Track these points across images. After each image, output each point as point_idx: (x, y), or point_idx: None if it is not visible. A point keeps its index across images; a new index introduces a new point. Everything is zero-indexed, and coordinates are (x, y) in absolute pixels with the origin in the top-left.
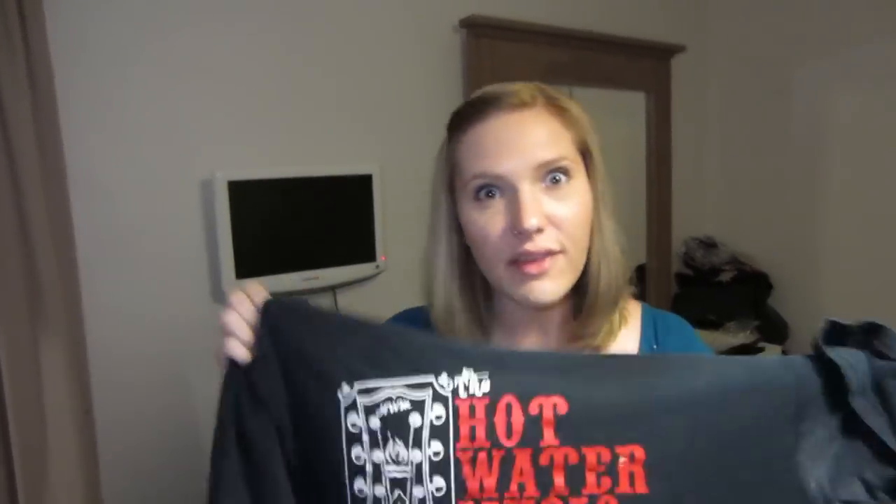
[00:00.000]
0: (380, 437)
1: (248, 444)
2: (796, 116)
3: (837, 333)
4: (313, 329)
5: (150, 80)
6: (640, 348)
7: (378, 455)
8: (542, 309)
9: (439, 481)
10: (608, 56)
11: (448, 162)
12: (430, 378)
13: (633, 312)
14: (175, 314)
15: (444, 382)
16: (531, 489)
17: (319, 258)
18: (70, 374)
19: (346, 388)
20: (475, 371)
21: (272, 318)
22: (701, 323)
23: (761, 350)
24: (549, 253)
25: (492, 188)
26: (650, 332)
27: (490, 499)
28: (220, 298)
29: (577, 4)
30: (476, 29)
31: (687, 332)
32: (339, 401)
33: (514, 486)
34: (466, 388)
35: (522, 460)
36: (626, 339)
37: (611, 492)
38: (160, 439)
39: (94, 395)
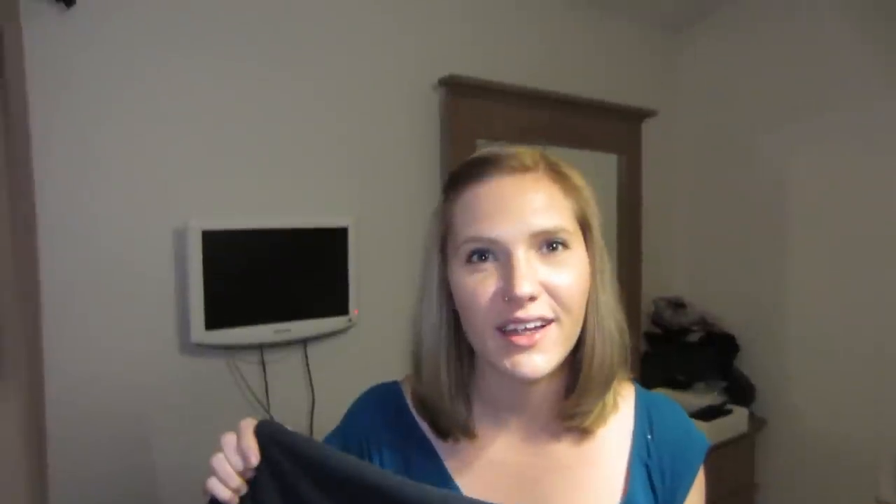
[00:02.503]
0: None
1: None
2: (761, 180)
3: None
4: (318, 483)
5: (126, 125)
6: (634, 437)
7: None
8: (527, 383)
9: None
10: (582, 118)
11: (442, 222)
12: None
13: (627, 397)
14: (141, 366)
15: None
16: None
17: (291, 310)
18: (26, 428)
19: None
20: None
21: (272, 458)
22: (670, 383)
23: (730, 412)
24: (542, 320)
25: (485, 252)
26: (644, 420)
27: None
28: (188, 350)
29: (553, 68)
30: (454, 88)
31: (681, 419)
32: None
33: None
34: None
35: None
36: (619, 426)
37: None
38: (121, 499)
39: (50, 449)
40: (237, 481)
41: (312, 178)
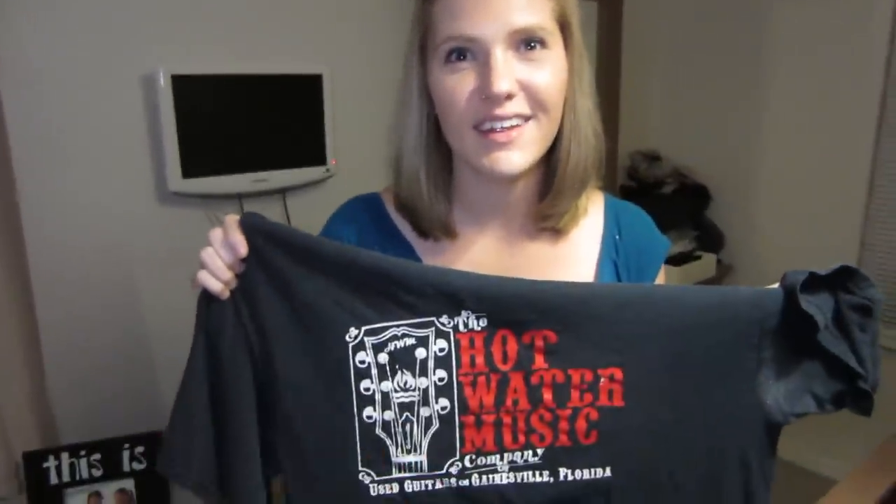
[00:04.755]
0: (388, 369)
1: (217, 376)
2: (742, 32)
3: (814, 280)
4: (305, 266)
5: None
6: (604, 238)
7: (386, 385)
8: (505, 183)
9: (444, 401)
10: None
11: (421, 23)
12: (432, 319)
13: (597, 202)
14: (118, 216)
15: (444, 321)
16: (524, 403)
17: (268, 160)
18: (10, 278)
19: (353, 330)
20: (472, 311)
21: (259, 248)
22: None
23: (699, 258)
24: (519, 117)
25: (463, 51)
26: (613, 222)
27: (488, 412)
28: (165, 199)
29: None
30: None
31: (647, 223)
32: (347, 342)
33: (509, 402)
34: (466, 325)
35: (516, 381)
36: (589, 228)
37: (591, 404)
38: (105, 343)
39: (36, 301)
40: (228, 274)
41: (287, 24)
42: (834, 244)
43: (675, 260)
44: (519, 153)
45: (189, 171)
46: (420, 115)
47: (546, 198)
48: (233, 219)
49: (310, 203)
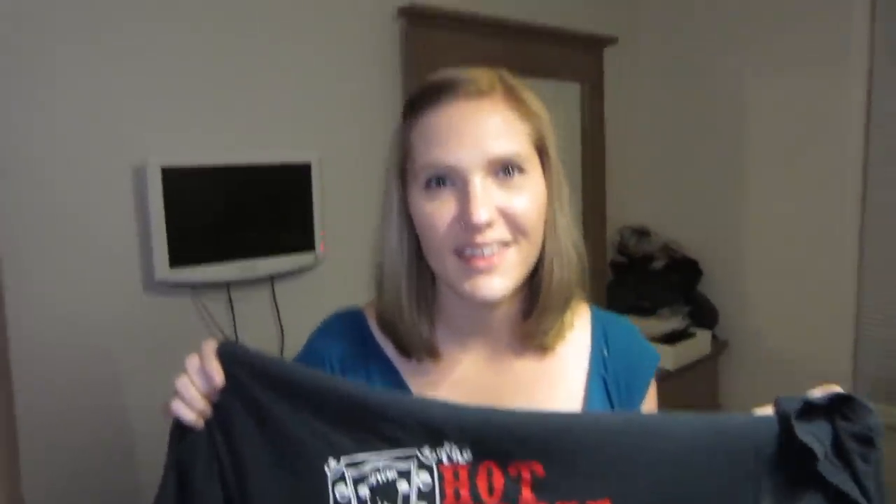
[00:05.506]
0: (369, 503)
1: None
2: (723, 107)
3: (808, 409)
4: (283, 396)
5: (81, 59)
6: (591, 353)
7: None
8: (488, 306)
9: None
10: (544, 47)
11: (401, 147)
12: (414, 451)
13: (583, 317)
14: (104, 306)
15: (427, 454)
16: None
17: (257, 248)
18: None
19: (332, 462)
20: (455, 443)
21: (236, 377)
22: (634, 310)
23: (693, 335)
24: (500, 244)
25: (443, 178)
26: (600, 337)
27: None
28: (152, 289)
29: None
30: (414, 18)
31: (635, 336)
32: (326, 475)
33: None
34: (449, 458)
35: None
36: (577, 344)
37: None
38: (88, 440)
39: (16, 393)
40: (202, 404)
41: (275, 115)
42: (829, 314)
43: (670, 339)
44: (500, 279)
45: (176, 259)
46: (400, 235)
47: (530, 316)
48: (210, 347)
49: (298, 289)
